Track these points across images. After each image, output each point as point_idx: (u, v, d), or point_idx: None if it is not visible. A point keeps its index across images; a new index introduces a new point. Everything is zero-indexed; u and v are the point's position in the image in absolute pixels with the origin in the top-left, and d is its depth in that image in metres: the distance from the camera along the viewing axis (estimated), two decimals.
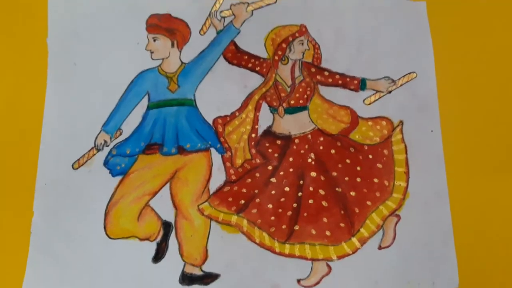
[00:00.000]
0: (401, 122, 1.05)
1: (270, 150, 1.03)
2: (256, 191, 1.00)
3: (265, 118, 1.05)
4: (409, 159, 1.03)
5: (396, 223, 1.00)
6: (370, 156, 1.02)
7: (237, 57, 1.05)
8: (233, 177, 1.01)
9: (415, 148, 1.03)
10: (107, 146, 1.01)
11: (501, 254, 1.01)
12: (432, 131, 1.05)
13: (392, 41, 1.09)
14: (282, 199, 1.00)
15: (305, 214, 0.98)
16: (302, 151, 1.02)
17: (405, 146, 1.03)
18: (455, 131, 1.06)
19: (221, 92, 1.04)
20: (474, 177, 1.04)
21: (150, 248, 0.98)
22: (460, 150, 1.05)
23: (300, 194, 1.00)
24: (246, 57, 1.05)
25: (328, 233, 0.98)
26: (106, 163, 1.00)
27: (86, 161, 1.00)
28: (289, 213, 0.99)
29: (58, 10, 1.06)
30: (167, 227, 0.99)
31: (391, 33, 1.09)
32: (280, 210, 0.99)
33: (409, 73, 1.07)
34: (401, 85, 1.06)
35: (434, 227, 1.00)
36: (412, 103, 1.06)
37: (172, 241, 0.98)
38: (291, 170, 1.01)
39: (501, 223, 1.03)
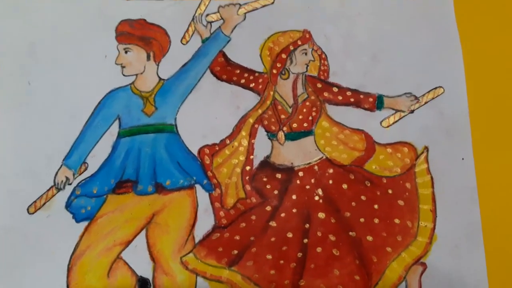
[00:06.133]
0: (426, 149, 0.99)
1: (268, 186, 0.97)
2: (252, 238, 0.94)
3: (262, 146, 0.99)
4: (436, 194, 0.97)
5: (422, 273, 0.94)
6: (390, 191, 0.97)
7: (227, 71, 1.01)
8: (224, 221, 0.95)
9: (443, 180, 0.98)
10: (70, 184, 0.96)
11: None
12: (463, 159, 0.99)
13: (414, 49, 1.04)
14: (284, 248, 0.93)
15: (312, 266, 0.92)
16: (307, 187, 0.97)
17: (431, 178, 0.98)
18: (491, 159, 1.00)
19: (208, 115, 0.99)
20: None
21: None
22: (496, 182, 0.99)
23: (305, 241, 0.94)
24: (238, 71, 1.01)
25: None
26: (68, 206, 0.95)
27: (45, 203, 0.95)
28: (293, 265, 0.93)
29: (9, 20, 1.02)
30: (143, 284, 0.93)
31: (412, 39, 1.04)
32: (281, 262, 0.93)
33: (435, 88, 1.02)
34: (425, 103, 1.02)
35: (466, 277, 0.94)
36: (439, 125, 1.01)
37: None
38: (294, 210, 0.95)
39: None
